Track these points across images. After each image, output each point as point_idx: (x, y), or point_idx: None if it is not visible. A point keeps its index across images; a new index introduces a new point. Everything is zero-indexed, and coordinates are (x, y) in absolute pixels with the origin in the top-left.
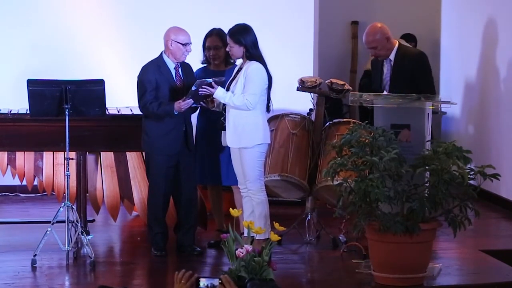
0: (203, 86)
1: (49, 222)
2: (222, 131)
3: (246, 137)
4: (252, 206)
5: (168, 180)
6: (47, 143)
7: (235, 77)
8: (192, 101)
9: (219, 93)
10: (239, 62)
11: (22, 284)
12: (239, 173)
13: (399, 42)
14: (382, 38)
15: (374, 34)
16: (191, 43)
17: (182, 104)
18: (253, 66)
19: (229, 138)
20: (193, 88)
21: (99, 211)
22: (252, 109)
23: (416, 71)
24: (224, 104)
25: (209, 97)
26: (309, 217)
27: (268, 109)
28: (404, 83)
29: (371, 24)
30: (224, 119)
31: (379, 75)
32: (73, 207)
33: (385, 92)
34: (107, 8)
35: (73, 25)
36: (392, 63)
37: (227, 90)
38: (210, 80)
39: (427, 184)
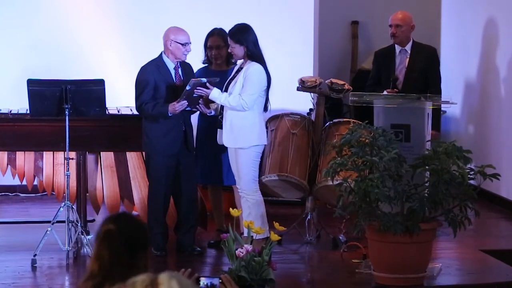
0: (198, 88)
1: (49, 222)
2: (218, 129)
3: (242, 137)
4: (249, 207)
5: (168, 181)
6: (47, 143)
7: (234, 76)
8: (187, 103)
9: (215, 94)
10: (239, 61)
11: (22, 284)
12: (236, 173)
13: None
14: (409, 23)
15: (405, 15)
16: (190, 43)
17: (177, 106)
18: (253, 67)
19: (226, 137)
20: (188, 88)
21: (99, 211)
22: (248, 109)
23: (429, 66)
24: (221, 105)
25: (204, 98)
26: (309, 217)
27: (266, 109)
28: (418, 75)
29: None
30: (222, 117)
31: (392, 65)
32: (73, 207)
33: (399, 83)
34: (107, 9)
35: (74, 25)
36: (408, 54)
37: (226, 89)
38: (204, 80)
39: (427, 184)
